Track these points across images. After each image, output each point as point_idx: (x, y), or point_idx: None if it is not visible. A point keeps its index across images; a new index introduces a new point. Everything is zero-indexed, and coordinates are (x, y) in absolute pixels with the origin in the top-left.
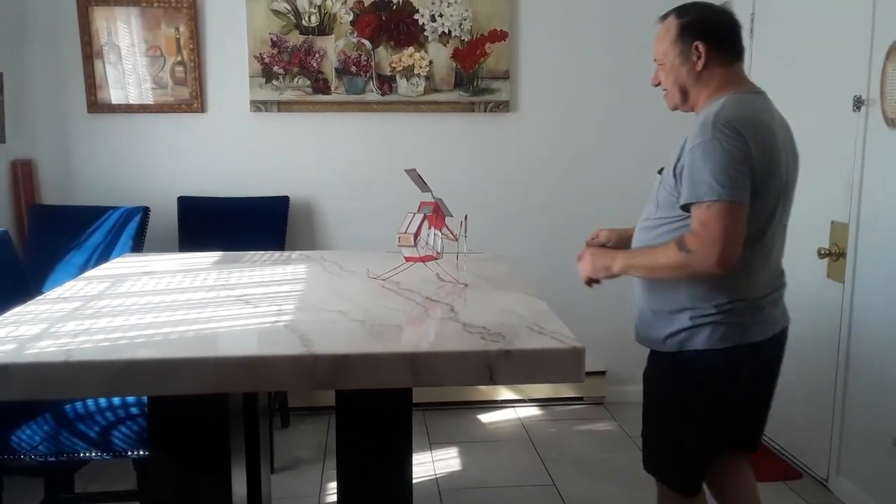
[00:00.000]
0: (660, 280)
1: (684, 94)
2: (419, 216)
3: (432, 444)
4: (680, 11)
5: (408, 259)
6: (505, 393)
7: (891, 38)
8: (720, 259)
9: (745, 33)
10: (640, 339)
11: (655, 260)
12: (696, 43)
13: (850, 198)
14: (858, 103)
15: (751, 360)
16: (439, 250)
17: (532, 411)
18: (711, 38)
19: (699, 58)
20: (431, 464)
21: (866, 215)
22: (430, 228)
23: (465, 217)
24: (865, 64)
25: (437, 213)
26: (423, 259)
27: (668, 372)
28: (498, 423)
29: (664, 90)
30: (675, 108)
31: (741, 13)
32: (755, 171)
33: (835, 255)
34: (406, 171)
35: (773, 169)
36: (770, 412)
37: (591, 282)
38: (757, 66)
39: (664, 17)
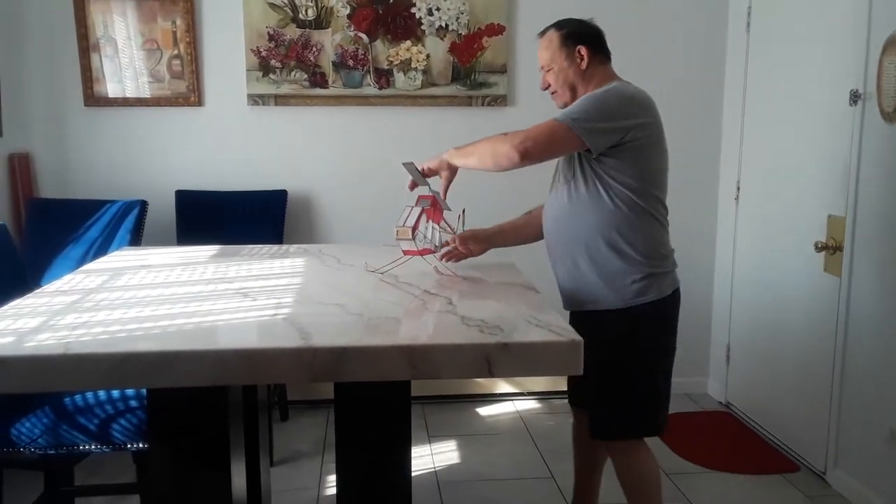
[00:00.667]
0: (604, 243)
1: (573, 91)
2: (417, 210)
3: (431, 437)
4: (558, 25)
5: (406, 252)
6: (503, 386)
7: (887, 32)
8: (523, 150)
9: (741, 28)
10: (584, 304)
11: (476, 144)
12: (578, 47)
13: (847, 192)
14: (855, 97)
15: (679, 302)
16: (437, 244)
17: (530, 404)
18: (590, 43)
19: (582, 59)
20: (430, 457)
21: (863, 209)
22: (427, 222)
23: (463, 211)
24: (862, 58)
25: (434, 207)
26: (422, 252)
27: (629, 327)
28: (497, 416)
29: (553, 92)
30: (564, 106)
31: (737, 8)
32: (646, 130)
33: (832, 248)
34: (403, 164)
35: (662, 135)
36: (766, 404)
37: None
38: (753, 60)
39: (543, 32)
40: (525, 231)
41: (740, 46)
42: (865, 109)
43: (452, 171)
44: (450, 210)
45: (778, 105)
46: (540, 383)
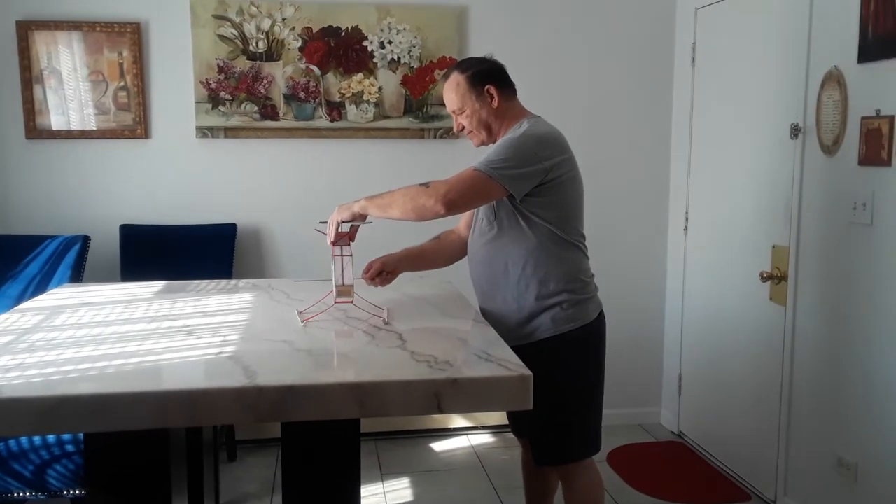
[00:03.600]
0: (531, 276)
1: (489, 129)
2: (347, 259)
3: (384, 474)
4: (461, 67)
5: (336, 302)
6: (458, 420)
7: (825, 67)
8: (447, 200)
9: (686, 63)
10: (518, 338)
11: (393, 194)
12: (486, 87)
13: (790, 222)
14: (796, 131)
15: (604, 323)
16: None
17: (485, 438)
18: (496, 81)
19: (493, 98)
20: (383, 495)
21: (805, 239)
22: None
23: (355, 227)
24: (802, 93)
25: (352, 238)
26: (346, 301)
27: (562, 354)
28: (451, 451)
29: (468, 133)
30: (481, 144)
31: (683, 44)
32: (563, 167)
33: (776, 278)
34: (316, 229)
35: (577, 167)
36: (717, 433)
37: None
38: (699, 94)
39: (446, 75)
40: (434, 257)
41: (686, 81)
42: (806, 143)
43: (363, 218)
44: (371, 223)
45: (723, 138)
46: (494, 417)
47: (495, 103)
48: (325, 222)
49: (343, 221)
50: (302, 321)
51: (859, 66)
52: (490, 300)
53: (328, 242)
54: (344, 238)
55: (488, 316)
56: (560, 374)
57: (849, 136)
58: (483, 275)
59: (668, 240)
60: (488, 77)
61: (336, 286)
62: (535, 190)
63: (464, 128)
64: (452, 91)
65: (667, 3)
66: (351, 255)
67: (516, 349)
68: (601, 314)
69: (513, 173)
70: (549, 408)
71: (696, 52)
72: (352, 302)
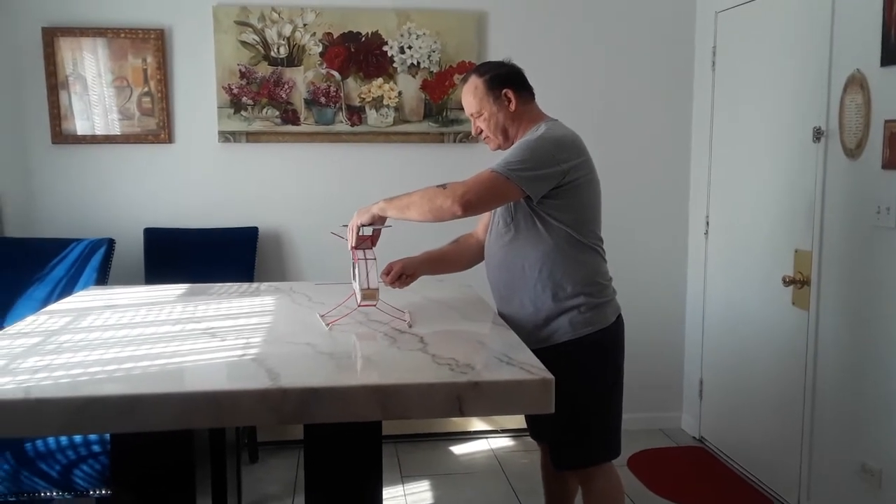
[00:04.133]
0: (549, 279)
1: (505, 133)
2: (371, 262)
3: (404, 476)
4: (479, 71)
5: (361, 305)
6: (477, 424)
7: (848, 70)
8: (464, 201)
9: (706, 66)
10: (537, 342)
11: (411, 196)
12: (504, 90)
13: (813, 226)
14: (818, 134)
15: (623, 327)
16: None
17: (505, 442)
18: (514, 84)
19: (510, 101)
20: (403, 497)
21: (828, 243)
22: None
23: (377, 231)
24: (824, 96)
25: (373, 241)
26: (371, 304)
27: (581, 357)
28: (471, 454)
29: (484, 137)
30: (498, 149)
31: (703, 47)
32: (581, 170)
33: (799, 282)
34: (333, 233)
35: (594, 170)
36: (739, 438)
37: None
38: (719, 97)
39: (464, 78)
40: (453, 260)
41: (706, 85)
42: (828, 146)
43: (382, 221)
44: (390, 227)
45: (744, 141)
46: (514, 420)
47: (512, 107)
48: (346, 226)
49: (363, 225)
50: (326, 324)
51: (882, 70)
52: (507, 304)
53: (349, 247)
54: (366, 241)
55: (506, 319)
56: (578, 377)
57: (872, 139)
58: (500, 278)
59: (689, 243)
60: (506, 81)
61: (361, 289)
62: (552, 192)
63: (482, 131)
64: (471, 94)
65: (687, 6)
66: (375, 259)
67: (534, 353)
68: (619, 317)
69: (530, 175)
70: (567, 412)
71: (717, 55)
72: (376, 305)
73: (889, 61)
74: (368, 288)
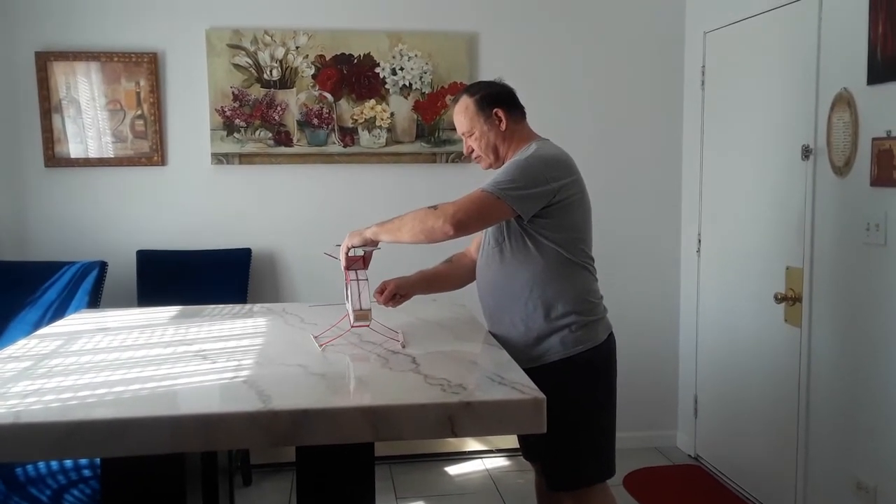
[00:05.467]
0: (540, 299)
1: (496, 152)
2: (363, 283)
3: (399, 498)
4: (470, 91)
5: (354, 326)
6: (472, 444)
7: (835, 89)
8: (455, 221)
9: (696, 86)
10: (528, 361)
11: (403, 218)
12: (495, 110)
13: (803, 244)
14: (807, 152)
15: (615, 346)
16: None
17: (499, 462)
18: (504, 104)
19: (501, 121)
20: None
21: (819, 260)
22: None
23: (368, 253)
24: (812, 114)
25: (365, 263)
26: (364, 325)
27: (572, 377)
28: (466, 475)
29: (475, 156)
30: (489, 168)
31: (692, 67)
32: (571, 189)
33: (791, 299)
34: (326, 253)
35: (585, 190)
36: (734, 456)
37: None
38: (709, 116)
39: (455, 98)
40: (447, 279)
41: (696, 104)
42: (817, 164)
43: (374, 244)
44: (379, 249)
45: (734, 160)
46: (509, 440)
47: (503, 126)
48: (339, 246)
49: (354, 247)
50: (319, 345)
51: (869, 88)
52: (498, 323)
53: (342, 268)
54: (358, 262)
55: (497, 339)
56: (570, 396)
57: (860, 157)
58: (491, 298)
59: (682, 261)
60: (497, 100)
61: (353, 310)
62: (542, 211)
63: (473, 150)
64: (462, 114)
65: (675, 26)
66: (367, 280)
67: (525, 372)
68: (611, 336)
69: (521, 194)
70: (560, 431)
71: (706, 75)
72: (369, 326)
73: (875, 79)
74: (361, 309)
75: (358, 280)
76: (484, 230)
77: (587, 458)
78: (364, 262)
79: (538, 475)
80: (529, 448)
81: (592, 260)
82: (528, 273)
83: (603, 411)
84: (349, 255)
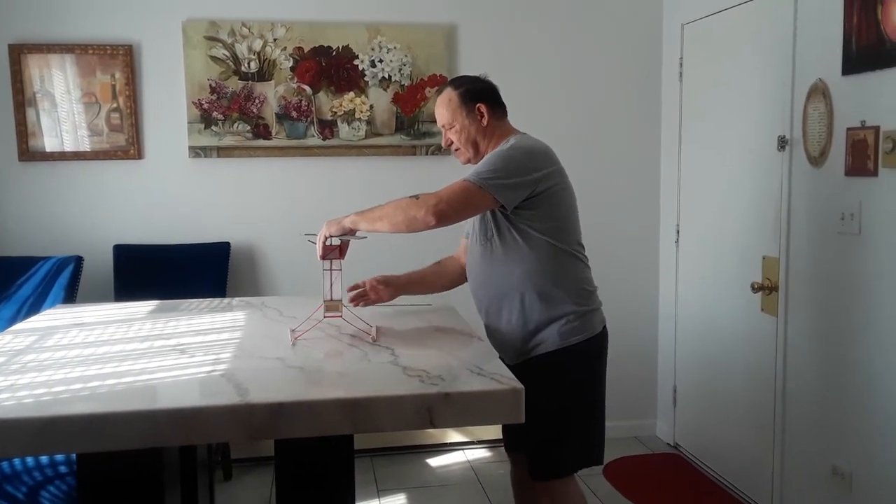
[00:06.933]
0: (534, 291)
1: (476, 146)
2: (336, 274)
3: (380, 490)
4: (454, 84)
5: (326, 317)
6: (453, 435)
7: (811, 80)
8: (437, 210)
9: (674, 78)
10: (524, 353)
11: (384, 208)
12: (478, 105)
13: (779, 233)
14: (783, 143)
15: (608, 337)
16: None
17: (481, 453)
18: (487, 100)
19: (483, 116)
20: None
21: (795, 250)
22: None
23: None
24: (788, 105)
25: (342, 252)
26: (335, 316)
27: (569, 366)
28: (447, 466)
29: (456, 149)
30: (467, 162)
31: (670, 59)
32: (553, 178)
33: (767, 289)
34: (306, 235)
35: (567, 179)
36: (713, 444)
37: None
38: (687, 108)
39: (439, 90)
40: (435, 281)
41: (674, 96)
42: (793, 154)
43: (353, 233)
44: (364, 238)
45: (711, 151)
46: (490, 431)
47: (485, 121)
48: (313, 234)
49: (332, 236)
50: (292, 339)
51: (844, 79)
52: (495, 318)
53: (318, 257)
54: (334, 252)
55: (494, 334)
56: (566, 386)
57: (835, 147)
58: (485, 294)
59: (660, 252)
60: (480, 95)
61: (324, 300)
62: (527, 202)
63: (452, 143)
64: (444, 106)
65: (654, 19)
66: (340, 270)
67: (522, 363)
68: (605, 328)
69: (503, 183)
70: (552, 420)
71: (684, 66)
72: (341, 316)
73: (850, 70)
74: (332, 300)
75: (332, 270)
76: (471, 228)
77: (573, 446)
78: (341, 252)
79: (515, 467)
80: (514, 437)
81: (583, 248)
82: (521, 266)
83: (596, 400)
84: (326, 244)
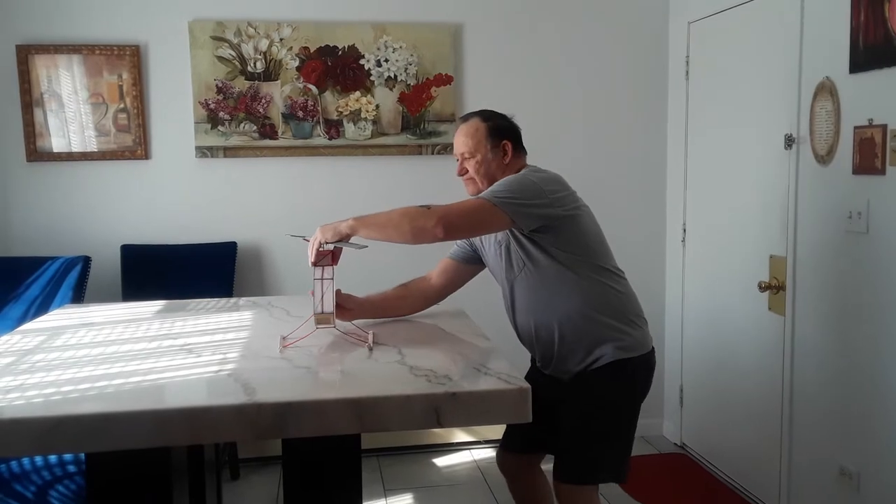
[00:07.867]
0: (580, 315)
1: (491, 181)
2: (327, 283)
3: (387, 490)
4: (483, 116)
5: (317, 328)
6: (460, 435)
7: (818, 78)
8: (447, 223)
9: (680, 76)
10: (568, 371)
11: (389, 214)
12: (503, 142)
13: (787, 232)
14: (790, 141)
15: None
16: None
17: (487, 452)
18: (513, 138)
19: (506, 154)
20: None
21: (802, 249)
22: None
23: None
24: (795, 103)
25: (335, 258)
26: (327, 328)
27: (610, 383)
28: (454, 466)
29: (467, 178)
30: (477, 193)
31: (676, 57)
32: (571, 200)
33: (775, 288)
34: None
35: (582, 201)
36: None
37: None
38: (693, 106)
39: (466, 118)
40: (399, 305)
41: (680, 94)
42: (800, 153)
43: (347, 239)
44: (362, 247)
45: (718, 149)
46: (496, 430)
47: (507, 159)
48: (298, 236)
49: (327, 242)
50: (281, 347)
51: (851, 77)
52: (547, 341)
53: (310, 263)
54: (326, 257)
55: (550, 357)
56: (610, 399)
57: (842, 145)
58: (531, 319)
59: (667, 251)
60: (508, 132)
61: (315, 313)
62: (552, 228)
63: (466, 172)
64: (469, 135)
65: (660, 17)
66: (332, 279)
67: (575, 376)
68: (653, 348)
69: (518, 204)
70: (595, 430)
71: (690, 65)
72: (334, 327)
73: (857, 68)
74: (322, 312)
75: (323, 279)
76: (495, 265)
77: (610, 459)
78: (333, 258)
79: (519, 467)
80: (535, 437)
81: (621, 270)
82: (566, 286)
83: (634, 417)
84: (319, 249)
